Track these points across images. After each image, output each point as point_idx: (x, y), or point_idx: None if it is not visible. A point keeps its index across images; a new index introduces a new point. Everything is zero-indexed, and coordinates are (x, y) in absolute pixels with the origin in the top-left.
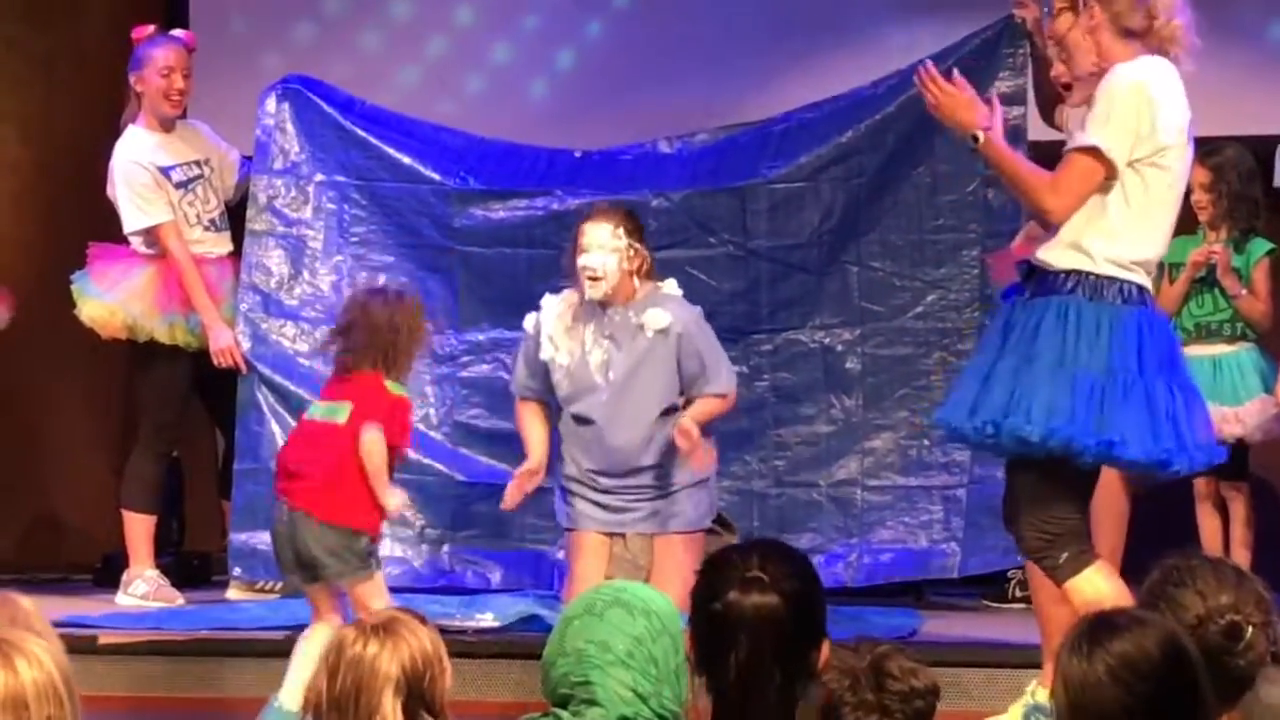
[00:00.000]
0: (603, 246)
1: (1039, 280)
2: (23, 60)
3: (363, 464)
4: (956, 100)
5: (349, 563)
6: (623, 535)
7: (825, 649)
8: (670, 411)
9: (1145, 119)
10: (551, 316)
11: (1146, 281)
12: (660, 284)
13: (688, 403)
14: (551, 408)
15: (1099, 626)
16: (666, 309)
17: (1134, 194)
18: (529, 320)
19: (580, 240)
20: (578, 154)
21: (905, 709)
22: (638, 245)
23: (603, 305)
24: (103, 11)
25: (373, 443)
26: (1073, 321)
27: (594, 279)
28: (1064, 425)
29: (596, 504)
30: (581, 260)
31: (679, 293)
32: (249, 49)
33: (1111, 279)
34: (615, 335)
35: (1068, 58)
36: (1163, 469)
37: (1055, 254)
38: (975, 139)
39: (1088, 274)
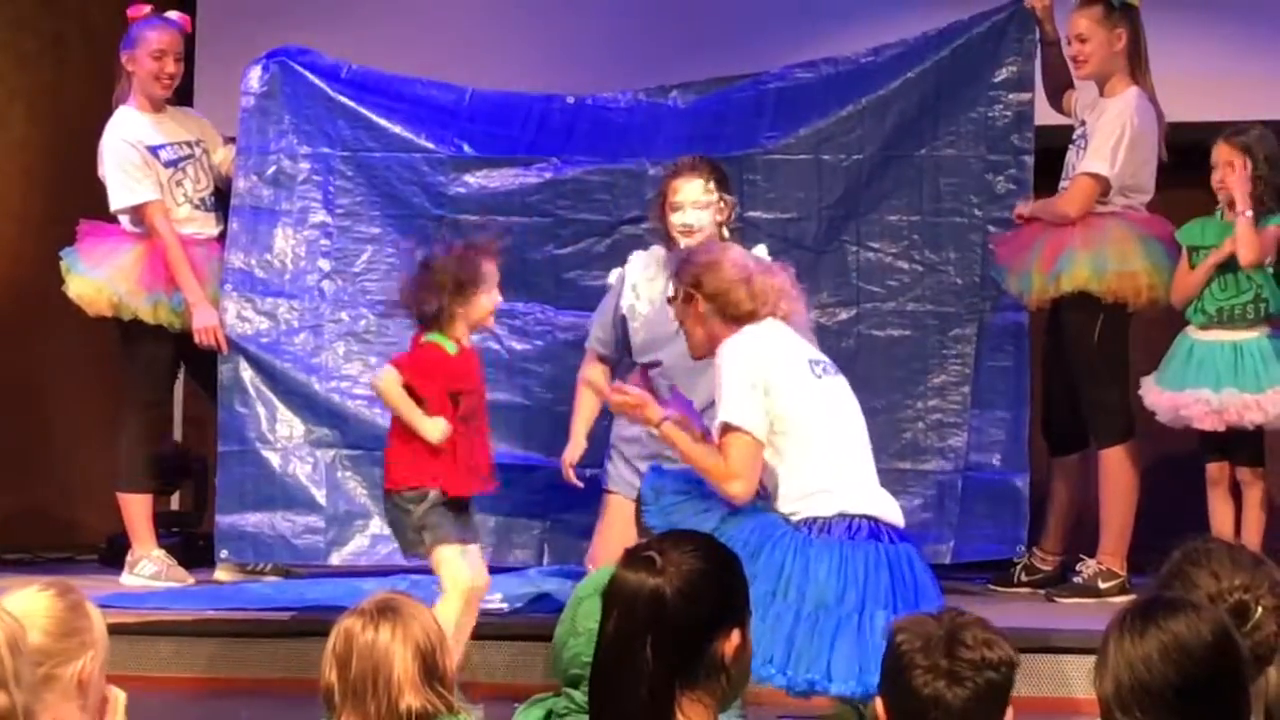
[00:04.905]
0: (696, 203)
1: None
2: (32, 38)
3: (398, 420)
4: (630, 405)
5: (406, 537)
6: None
7: (735, 639)
8: None
9: (758, 383)
10: (638, 267)
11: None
12: (752, 248)
13: None
14: (617, 369)
15: (1154, 606)
16: None
17: (786, 446)
18: (614, 274)
19: (672, 198)
20: (570, 99)
21: (976, 678)
22: (726, 196)
23: None
24: None
25: (380, 379)
26: None
27: (688, 233)
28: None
29: (636, 470)
30: (677, 218)
31: (768, 258)
32: (258, 28)
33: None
34: None
35: (686, 337)
36: None
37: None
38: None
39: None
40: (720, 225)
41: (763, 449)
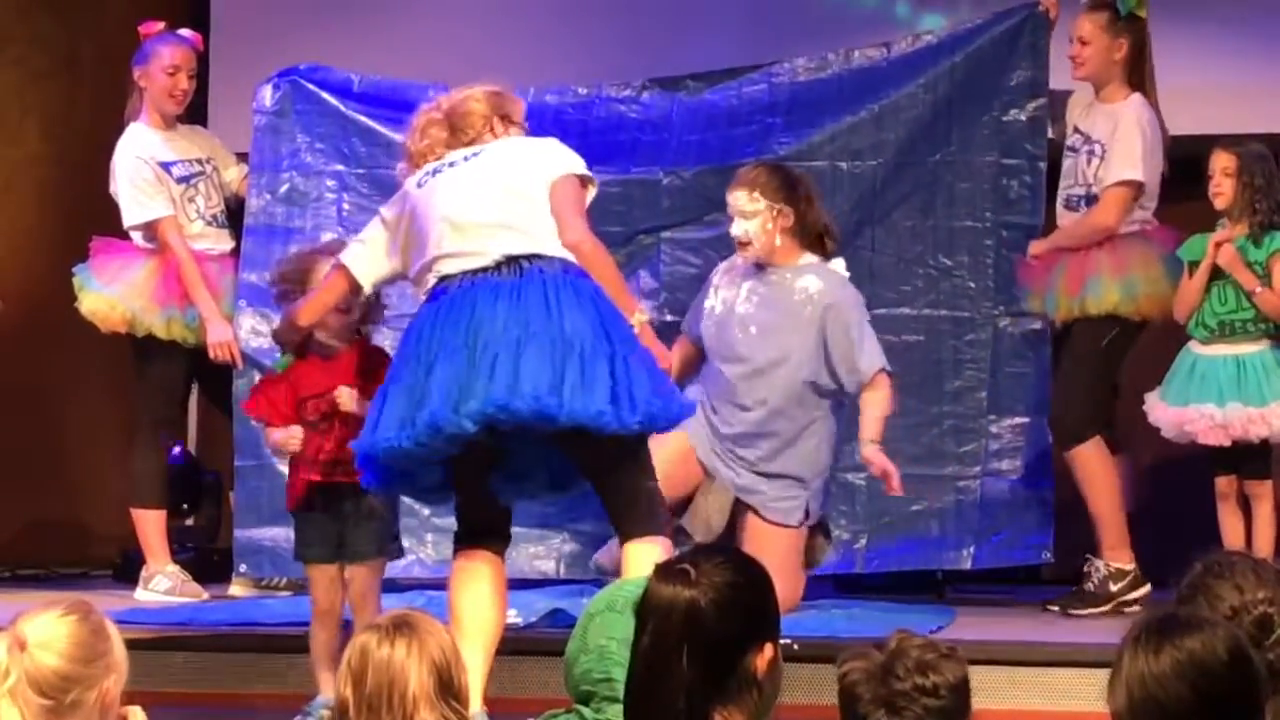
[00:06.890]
0: (741, 212)
1: None
2: (46, 55)
3: None
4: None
5: None
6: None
7: (767, 653)
8: (822, 394)
9: (377, 235)
10: (722, 269)
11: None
12: (829, 261)
13: (838, 389)
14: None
15: (1169, 623)
16: (822, 279)
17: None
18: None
19: (729, 208)
20: (583, 90)
21: (913, 706)
22: (781, 205)
23: (762, 265)
24: (126, 8)
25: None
26: None
27: (741, 244)
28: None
29: (710, 429)
30: (730, 229)
31: (845, 273)
32: (270, 46)
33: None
34: (767, 293)
35: None
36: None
37: None
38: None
39: None
40: (785, 233)
41: (347, 284)
